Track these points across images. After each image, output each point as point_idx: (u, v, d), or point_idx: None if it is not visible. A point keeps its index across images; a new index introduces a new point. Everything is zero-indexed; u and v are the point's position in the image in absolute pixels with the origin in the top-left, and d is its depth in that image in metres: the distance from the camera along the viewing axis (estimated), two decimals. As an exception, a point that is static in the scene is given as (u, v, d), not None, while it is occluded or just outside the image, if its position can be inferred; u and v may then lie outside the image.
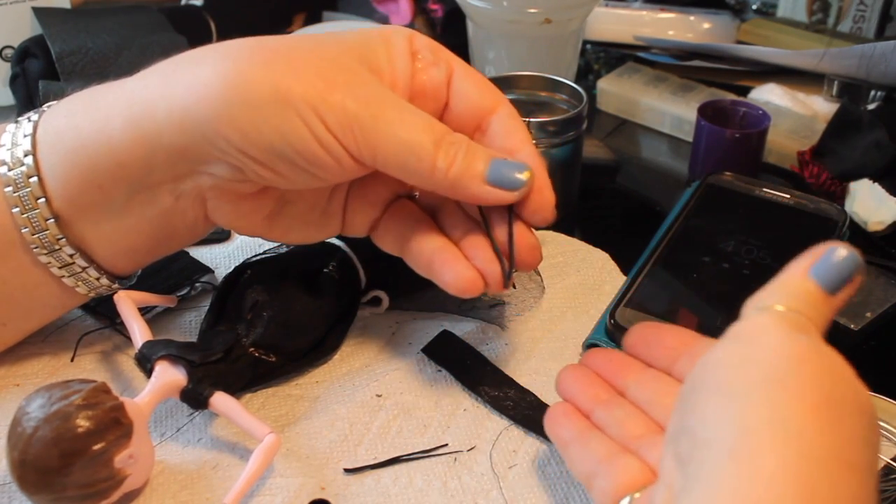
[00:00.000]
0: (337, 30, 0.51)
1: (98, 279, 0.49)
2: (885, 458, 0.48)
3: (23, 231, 0.46)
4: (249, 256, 0.53)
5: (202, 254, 0.60)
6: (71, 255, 0.47)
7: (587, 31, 0.86)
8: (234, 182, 0.45)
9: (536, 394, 0.50)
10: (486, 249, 0.46)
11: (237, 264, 0.53)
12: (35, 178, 0.45)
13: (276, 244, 0.56)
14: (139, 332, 0.48)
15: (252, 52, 0.44)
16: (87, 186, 0.45)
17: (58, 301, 0.50)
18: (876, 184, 0.67)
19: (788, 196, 0.63)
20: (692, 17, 0.91)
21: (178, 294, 0.55)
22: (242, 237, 0.63)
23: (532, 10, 0.74)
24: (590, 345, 0.53)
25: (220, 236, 0.62)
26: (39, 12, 0.75)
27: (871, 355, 0.56)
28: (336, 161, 0.43)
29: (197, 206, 0.47)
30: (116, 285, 0.50)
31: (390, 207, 0.50)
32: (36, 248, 0.46)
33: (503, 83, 0.68)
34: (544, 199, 0.46)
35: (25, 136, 0.46)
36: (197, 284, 0.57)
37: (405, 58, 0.47)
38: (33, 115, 0.47)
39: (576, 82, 0.68)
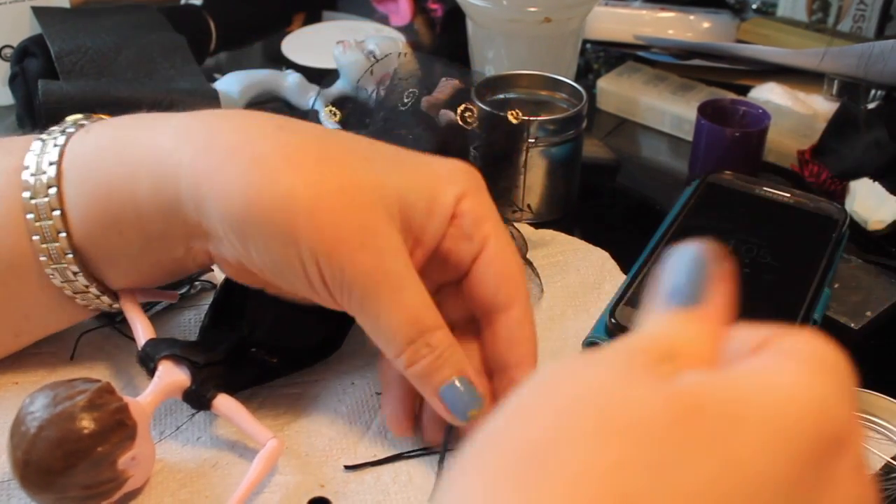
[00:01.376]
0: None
1: (112, 305, 0.49)
2: (885, 457, 0.48)
3: (41, 258, 0.46)
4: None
5: (202, 253, 0.60)
6: (86, 286, 0.47)
7: (587, 30, 0.86)
8: (237, 264, 0.45)
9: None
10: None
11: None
12: (58, 212, 0.45)
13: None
14: (142, 329, 0.48)
15: (283, 165, 0.42)
16: (108, 231, 0.45)
17: (69, 316, 0.51)
18: (876, 183, 0.67)
19: (788, 195, 0.63)
20: (692, 17, 0.91)
21: (179, 292, 0.55)
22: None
23: (532, 9, 0.74)
24: (590, 343, 0.53)
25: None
26: (39, 12, 0.75)
27: (871, 354, 0.56)
28: (322, 300, 0.44)
29: (207, 259, 0.47)
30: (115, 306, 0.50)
31: None
32: (52, 274, 0.47)
33: (503, 82, 0.69)
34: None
35: (51, 163, 0.45)
36: (197, 283, 0.57)
37: (444, 221, 0.45)
38: (59, 137, 0.46)
39: (576, 81, 0.68)
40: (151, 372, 0.46)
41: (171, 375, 0.46)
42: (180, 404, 0.47)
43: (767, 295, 0.55)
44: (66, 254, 0.46)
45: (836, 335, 0.59)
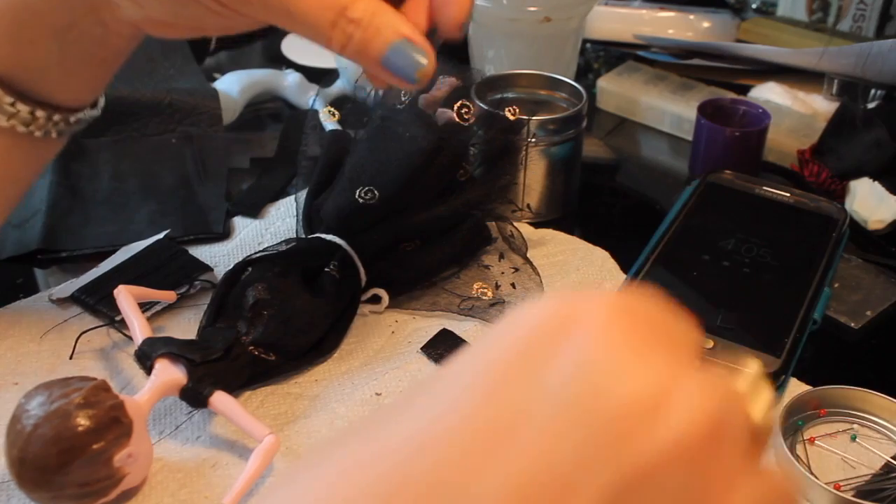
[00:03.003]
0: None
1: (67, 119, 0.48)
2: (885, 457, 0.48)
3: None
4: (250, 254, 0.53)
5: (202, 252, 0.60)
6: (31, 112, 0.46)
7: (587, 29, 0.86)
8: (148, 20, 0.44)
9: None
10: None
11: (237, 262, 0.53)
12: None
13: (275, 242, 0.56)
14: (139, 328, 0.48)
15: None
16: (20, 47, 0.45)
17: (36, 157, 0.49)
18: (876, 182, 0.67)
19: (788, 194, 0.63)
20: (692, 16, 0.91)
21: (178, 292, 0.55)
22: (242, 236, 0.63)
23: (532, 9, 0.74)
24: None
25: (220, 235, 0.62)
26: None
27: (871, 354, 0.56)
28: (229, 23, 0.43)
29: (128, 27, 0.46)
30: (87, 115, 0.49)
31: None
32: None
33: (503, 82, 0.68)
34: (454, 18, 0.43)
35: None
36: (196, 282, 0.57)
37: None
38: None
39: (575, 81, 0.68)
40: (149, 370, 0.46)
41: (168, 373, 0.46)
42: (179, 404, 0.47)
43: (768, 294, 0.55)
44: None
45: (836, 334, 0.59)
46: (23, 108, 0.46)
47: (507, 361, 0.21)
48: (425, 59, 0.41)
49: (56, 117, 0.47)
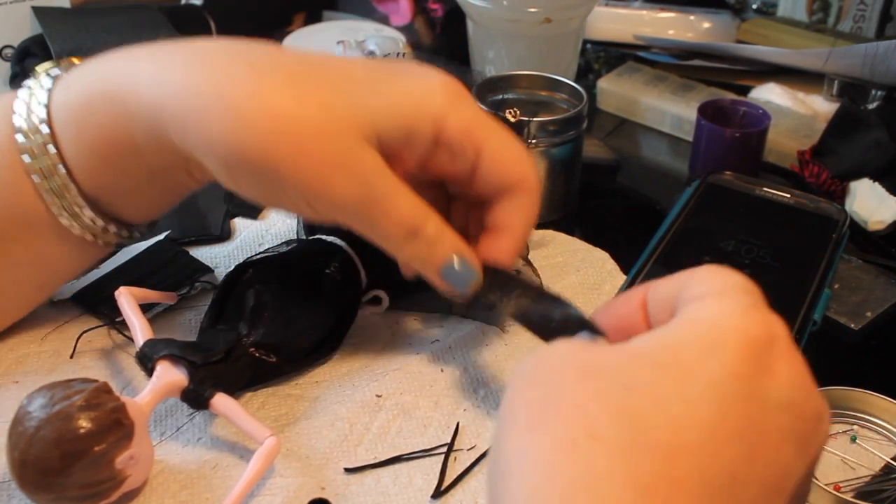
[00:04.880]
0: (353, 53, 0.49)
1: (119, 233, 0.51)
2: (885, 457, 0.48)
3: (52, 209, 0.48)
4: (250, 255, 0.53)
5: (202, 253, 0.60)
6: (92, 220, 0.49)
7: (587, 30, 0.86)
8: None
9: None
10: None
11: (237, 263, 0.53)
12: (61, 165, 0.47)
13: (276, 244, 0.56)
14: (140, 330, 0.48)
15: (261, 115, 0.42)
16: (116, 177, 0.48)
17: (86, 256, 0.52)
18: (876, 183, 0.67)
19: (789, 195, 0.63)
20: (692, 17, 0.91)
21: (179, 293, 0.55)
22: (242, 237, 0.63)
23: (532, 10, 0.74)
24: (590, 344, 0.53)
25: (220, 236, 0.62)
26: (39, 12, 0.75)
27: (871, 355, 0.56)
28: (319, 219, 0.46)
29: (209, 177, 0.48)
30: (138, 234, 0.52)
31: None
32: (58, 213, 0.48)
33: (503, 83, 0.69)
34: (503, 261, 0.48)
35: (42, 120, 0.46)
36: (197, 284, 0.57)
37: (424, 146, 0.45)
38: (40, 95, 0.47)
39: (576, 82, 0.68)
40: (150, 371, 0.46)
41: (169, 375, 0.46)
42: (180, 405, 0.47)
43: (767, 295, 0.55)
44: (82, 208, 0.48)
45: (836, 335, 0.59)
46: (98, 223, 0.49)
47: (735, 377, 0.29)
48: (476, 274, 0.46)
49: (124, 232, 0.51)
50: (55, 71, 0.48)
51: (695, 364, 0.29)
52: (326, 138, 0.43)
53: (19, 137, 0.47)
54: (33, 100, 0.47)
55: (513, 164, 0.47)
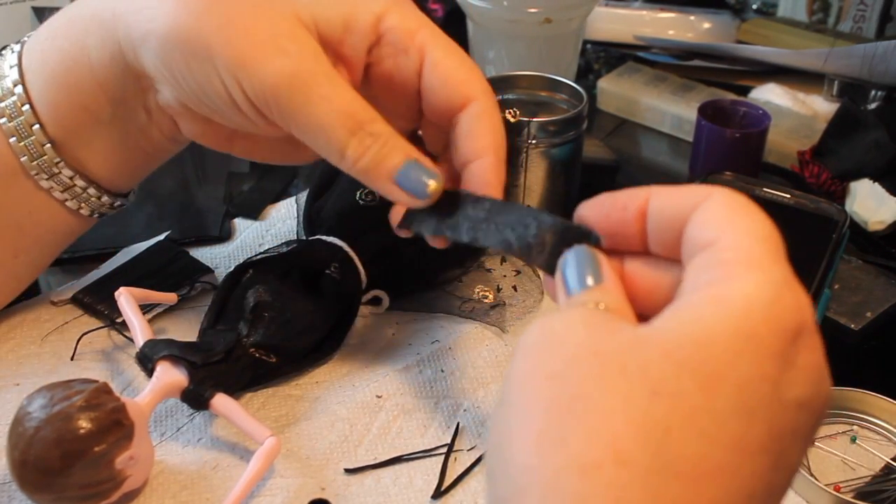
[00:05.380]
0: None
1: (99, 198, 0.50)
2: (884, 458, 0.48)
3: (22, 159, 0.48)
4: (250, 256, 0.53)
5: (202, 254, 0.60)
6: (70, 178, 0.49)
7: (587, 30, 0.86)
8: (182, 107, 0.46)
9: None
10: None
11: (237, 264, 0.53)
12: (27, 107, 0.47)
13: (276, 244, 0.56)
14: (140, 330, 0.48)
15: None
16: (75, 108, 0.47)
17: (65, 226, 0.51)
18: (876, 183, 0.67)
19: (788, 196, 0.63)
20: (692, 17, 0.91)
21: (179, 294, 0.55)
22: (243, 237, 0.63)
23: (532, 10, 0.74)
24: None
25: (220, 236, 0.62)
26: (39, 12, 0.75)
27: (871, 355, 0.56)
28: (253, 123, 0.44)
29: (167, 121, 0.48)
30: (118, 202, 0.52)
31: None
32: (36, 173, 0.48)
33: (503, 83, 0.68)
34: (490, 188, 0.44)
35: (11, 66, 0.48)
36: (197, 284, 0.57)
37: (363, 37, 0.45)
38: (15, 46, 0.48)
39: (576, 82, 0.68)
40: (150, 372, 0.46)
41: (169, 375, 0.46)
42: (180, 406, 0.47)
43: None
44: (44, 145, 0.47)
45: (836, 335, 0.59)
46: (79, 183, 0.49)
47: (762, 380, 0.27)
48: (434, 178, 0.42)
49: (104, 199, 0.50)
50: (25, 38, 0.49)
51: (725, 366, 0.27)
52: (258, 11, 0.42)
53: None
54: (4, 63, 0.48)
55: (459, 67, 0.45)
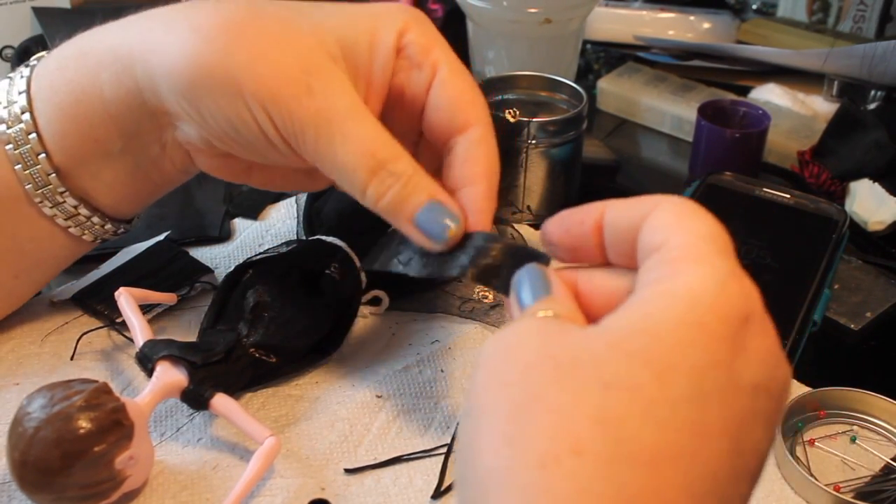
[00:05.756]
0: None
1: (103, 225, 0.50)
2: (884, 458, 0.48)
3: (26, 186, 0.48)
4: (250, 256, 0.53)
5: (202, 254, 0.60)
6: (75, 206, 0.49)
7: (587, 30, 0.86)
8: (204, 145, 0.46)
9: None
10: None
11: (237, 264, 0.53)
12: (34, 135, 0.47)
13: (276, 244, 0.56)
14: (140, 331, 0.48)
15: (220, 29, 0.43)
16: (84, 140, 0.47)
17: (66, 250, 0.51)
18: (876, 183, 0.67)
19: (788, 196, 0.63)
20: (692, 17, 0.91)
21: (179, 294, 0.55)
22: (242, 237, 0.63)
23: (532, 10, 0.74)
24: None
25: (220, 236, 0.62)
26: (39, 12, 0.75)
27: (871, 355, 0.56)
28: (282, 155, 0.44)
29: (182, 154, 0.48)
30: (121, 230, 0.52)
31: None
32: (40, 201, 0.48)
33: (503, 83, 0.69)
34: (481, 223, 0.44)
35: (20, 92, 0.47)
36: (197, 284, 0.57)
37: (388, 55, 0.45)
38: (24, 71, 0.48)
39: (576, 82, 0.68)
40: (150, 372, 0.46)
41: (169, 375, 0.46)
42: (180, 406, 0.47)
43: (767, 295, 0.55)
44: (49, 174, 0.47)
45: (836, 336, 0.59)
46: (83, 212, 0.49)
47: (714, 366, 0.28)
48: (455, 222, 0.42)
49: (108, 226, 0.50)
50: (33, 61, 0.49)
51: (676, 356, 0.28)
52: (284, 44, 0.42)
53: (1, 128, 0.47)
54: (13, 89, 0.48)
55: (467, 90, 0.46)
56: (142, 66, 0.44)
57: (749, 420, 0.28)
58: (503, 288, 0.38)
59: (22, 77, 0.48)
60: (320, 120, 0.42)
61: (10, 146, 0.47)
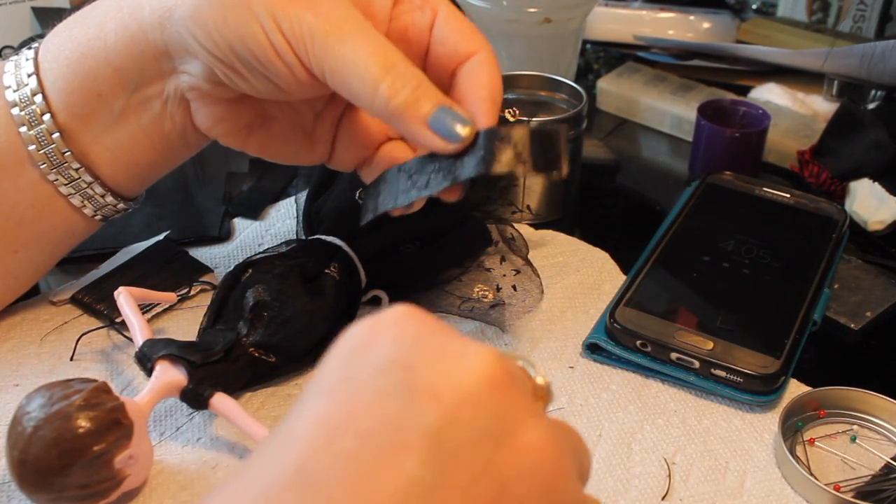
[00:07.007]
0: None
1: (103, 196, 0.51)
2: (885, 457, 0.48)
3: (30, 148, 0.48)
4: (250, 256, 0.53)
5: (202, 254, 0.60)
6: (76, 170, 0.49)
7: (587, 30, 0.86)
8: (208, 83, 0.46)
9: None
10: None
11: (237, 264, 0.53)
12: (39, 96, 0.48)
13: (276, 244, 0.56)
14: (139, 330, 0.48)
15: None
16: (88, 95, 0.48)
17: (67, 224, 0.52)
18: (876, 183, 0.67)
19: (788, 195, 0.63)
20: (692, 17, 0.91)
21: (178, 293, 0.55)
22: (242, 237, 0.63)
23: (532, 10, 0.74)
24: (590, 344, 0.53)
25: (220, 236, 0.62)
26: (39, 12, 0.75)
27: (871, 355, 0.56)
28: (290, 70, 0.44)
29: (183, 110, 0.49)
30: (121, 205, 0.52)
31: (382, 147, 0.50)
32: (43, 164, 0.49)
33: (503, 83, 0.68)
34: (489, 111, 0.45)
35: (28, 59, 0.49)
36: (196, 284, 0.57)
37: (388, 1, 0.47)
38: (35, 44, 0.50)
39: (576, 82, 0.68)
40: (149, 371, 0.46)
41: (168, 375, 0.46)
42: (180, 405, 0.47)
43: (767, 295, 0.55)
44: (53, 134, 0.48)
45: (836, 335, 0.59)
46: (85, 178, 0.50)
47: (340, 366, 0.30)
48: (468, 123, 0.43)
49: (108, 198, 0.51)
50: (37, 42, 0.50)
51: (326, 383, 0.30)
52: None
53: (9, 94, 0.48)
54: (21, 58, 0.49)
55: (468, 23, 0.47)
56: (149, 4, 0.46)
57: (370, 395, 0.28)
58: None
59: (31, 48, 0.49)
60: (330, 24, 0.42)
61: (16, 109, 0.48)
